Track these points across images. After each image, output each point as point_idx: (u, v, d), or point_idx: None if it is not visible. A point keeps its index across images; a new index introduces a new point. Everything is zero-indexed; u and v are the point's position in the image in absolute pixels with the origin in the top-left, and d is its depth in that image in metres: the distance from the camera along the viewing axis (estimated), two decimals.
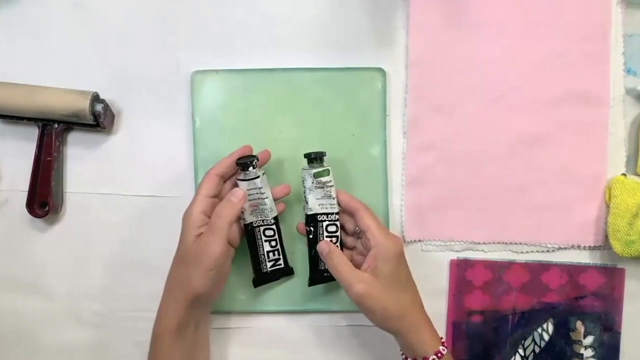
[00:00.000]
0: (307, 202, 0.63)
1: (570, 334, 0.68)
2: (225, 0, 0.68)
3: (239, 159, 0.62)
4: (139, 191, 0.68)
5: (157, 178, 0.68)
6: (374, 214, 0.62)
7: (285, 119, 0.67)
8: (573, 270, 0.68)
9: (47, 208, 0.66)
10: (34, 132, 0.67)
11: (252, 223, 0.64)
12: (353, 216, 0.62)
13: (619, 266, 0.68)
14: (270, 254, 0.65)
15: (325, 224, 0.63)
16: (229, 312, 0.68)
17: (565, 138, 0.67)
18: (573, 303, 0.68)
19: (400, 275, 0.60)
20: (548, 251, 0.68)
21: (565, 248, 0.68)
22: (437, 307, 0.68)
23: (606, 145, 0.67)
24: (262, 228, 0.64)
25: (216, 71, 0.67)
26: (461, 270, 0.68)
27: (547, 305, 0.68)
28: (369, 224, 0.60)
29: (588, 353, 0.68)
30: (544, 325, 0.68)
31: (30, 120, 0.66)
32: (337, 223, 0.63)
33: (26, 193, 0.66)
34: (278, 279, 0.66)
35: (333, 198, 0.63)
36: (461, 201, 0.68)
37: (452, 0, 0.67)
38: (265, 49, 0.68)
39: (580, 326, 0.68)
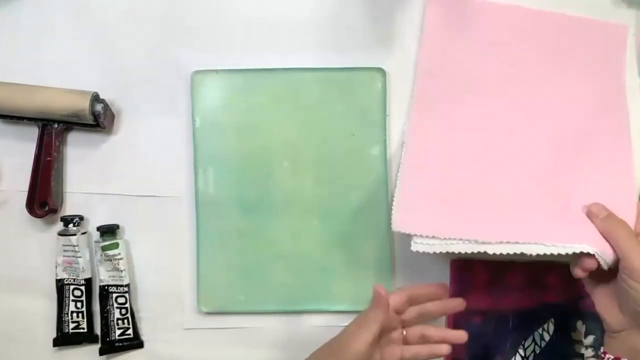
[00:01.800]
0: (98, 273, 0.67)
1: (571, 334, 0.68)
2: (225, 0, 0.68)
3: (63, 215, 0.66)
4: (139, 191, 0.68)
5: (157, 178, 0.68)
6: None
7: (286, 119, 0.67)
8: None
9: (47, 208, 0.66)
10: (34, 132, 0.67)
11: (62, 280, 0.66)
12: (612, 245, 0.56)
13: None
14: (74, 315, 0.66)
15: (114, 295, 0.66)
16: (227, 313, 0.68)
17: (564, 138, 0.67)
18: (574, 303, 0.68)
19: None
20: None
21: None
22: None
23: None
24: (71, 287, 0.66)
25: (216, 71, 0.67)
26: (461, 270, 0.68)
27: (548, 305, 0.68)
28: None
29: (589, 353, 0.67)
30: (545, 326, 0.68)
31: (30, 120, 0.66)
32: (127, 295, 0.66)
33: (26, 193, 0.66)
34: (79, 343, 0.67)
35: (121, 271, 0.66)
36: (461, 201, 0.67)
37: (467, 17, 0.67)
38: (265, 49, 0.68)
39: (581, 326, 0.68)
